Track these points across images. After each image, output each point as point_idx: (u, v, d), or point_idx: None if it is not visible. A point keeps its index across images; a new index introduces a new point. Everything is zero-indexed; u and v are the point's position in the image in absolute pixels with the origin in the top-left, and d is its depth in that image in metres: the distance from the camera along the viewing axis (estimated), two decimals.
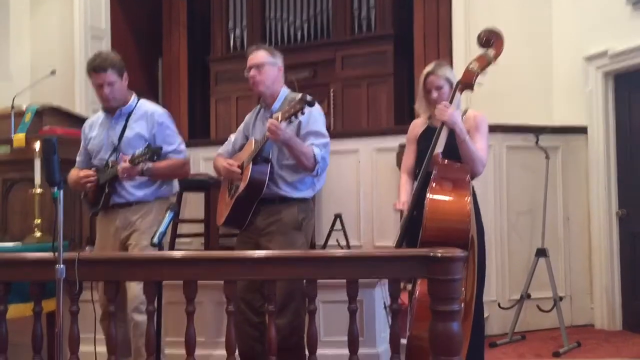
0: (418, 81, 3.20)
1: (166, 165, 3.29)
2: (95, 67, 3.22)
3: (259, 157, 3.12)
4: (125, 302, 3.20)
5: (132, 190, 3.26)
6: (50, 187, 2.26)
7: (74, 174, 3.39)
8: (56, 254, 2.20)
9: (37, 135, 4.12)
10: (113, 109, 3.32)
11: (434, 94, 3.03)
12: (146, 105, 3.38)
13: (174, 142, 3.34)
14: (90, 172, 3.30)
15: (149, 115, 3.32)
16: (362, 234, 4.81)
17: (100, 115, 3.44)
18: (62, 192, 2.23)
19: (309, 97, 2.97)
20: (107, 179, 3.23)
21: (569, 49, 4.92)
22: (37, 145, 3.71)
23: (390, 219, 4.42)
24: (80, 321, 2.41)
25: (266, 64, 3.22)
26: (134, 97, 3.37)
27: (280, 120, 2.95)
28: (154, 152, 3.09)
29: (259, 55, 3.24)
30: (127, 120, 3.31)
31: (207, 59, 8.19)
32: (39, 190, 3.81)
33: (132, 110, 3.33)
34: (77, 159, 3.49)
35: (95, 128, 3.40)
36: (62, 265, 2.20)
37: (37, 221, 3.84)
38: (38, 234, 3.84)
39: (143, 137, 3.27)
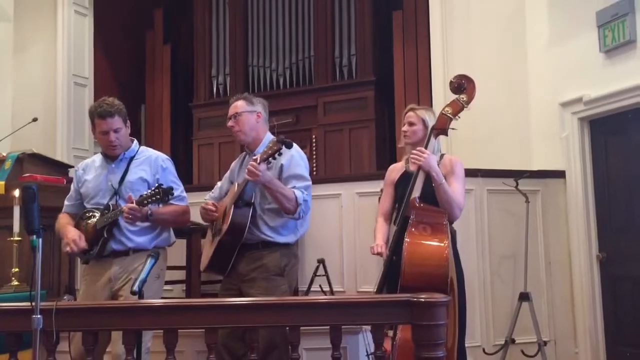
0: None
1: (169, 211, 3.21)
2: (102, 113, 3.12)
3: (241, 201, 3.13)
4: (102, 356, 3.09)
5: (132, 236, 3.13)
6: (29, 235, 2.23)
7: (64, 223, 3.23)
8: (33, 303, 2.16)
9: (17, 183, 4.09)
10: (115, 155, 3.24)
11: (404, 127, 3.12)
12: (149, 151, 3.35)
13: (177, 188, 3.25)
14: (82, 242, 3.09)
15: (152, 160, 3.27)
16: (346, 279, 4.78)
17: (96, 158, 3.35)
18: (41, 240, 2.20)
19: (284, 138, 3.01)
20: (106, 222, 3.08)
21: (545, 95, 5.03)
22: (17, 193, 3.67)
23: (373, 264, 4.40)
24: None
25: (243, 113, 3.28)
26: (135, 143, 3.31)
27: (259, 162, 2.98)
28: (165, 192, 2.98)
29: (236, 105, 3.31)
30: (128, 165, 3.22)
31: (190, 105, 8.25)
32: (17, 238, 3.76)
33: (134, 155, 3.26)
34: (66, 202, 3.36)
35: (91, 171, 3.29)
36: (39, 316, 2.15)
37: (15, 270, 3.78)
38: (15, 282, 3.77)
39: (146, 182, 3.20)
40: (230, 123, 3.29)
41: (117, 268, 3.13)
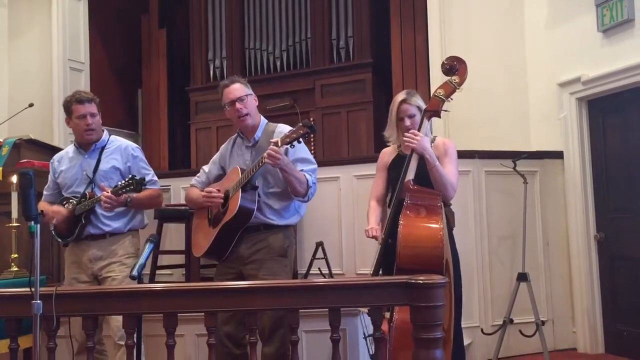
0: (390, 109, 3.22)
1: (145, 196, 3.40)
2: (81, 99, 3.37)
3: (248, 185, 3.11)
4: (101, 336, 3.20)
5: (107, 221, 3.35)
6: (27, 221, 2.24)
7: (42, 206, 3.41)
8: (33, 289, 2.17)
9: (14, 169, 4.08)
10: (86, 144, 3.43)
11: (407, 122, 3.08)
12: (119, 140, 3.54)
13: (149, 174, 3.47)
14: (62, 209, 3.35)
15: (122, 149, 3.46)
16: (344, 262, 4.79)
17: (69, 150, 3.54)
18: (39, 226, 2.21)
19: (311, 122, 2.96)
20: (84, 210, 3.29)
21: (543, 76, 5.01)
22: (14, 179, 3.67)
23: (372, 246, 4.39)
24: (57, 357, 2.36)
25: (248, 96, 3.27)
26: (105, 133, 3.51)
27: (280, 145, 2.95)
28: (138, 182, 3.17)
29: (237, 88, 3.26)
30: (100, 154, 3.42)
31: (187, 89, 8.21)
32: (15, 224, 3.76)
33: (105, 145, 3.46)
34: (45, 192, 3.55)
35: (65, 162, 3.48)
36: (39, 301, 2.16)
37: (14, 256, 3.78)
38: (15, 268, 3.78)
39: (118, 170, 3.40)
40: (238, 105, 3.21)
41: (95, 250, 3.34)
